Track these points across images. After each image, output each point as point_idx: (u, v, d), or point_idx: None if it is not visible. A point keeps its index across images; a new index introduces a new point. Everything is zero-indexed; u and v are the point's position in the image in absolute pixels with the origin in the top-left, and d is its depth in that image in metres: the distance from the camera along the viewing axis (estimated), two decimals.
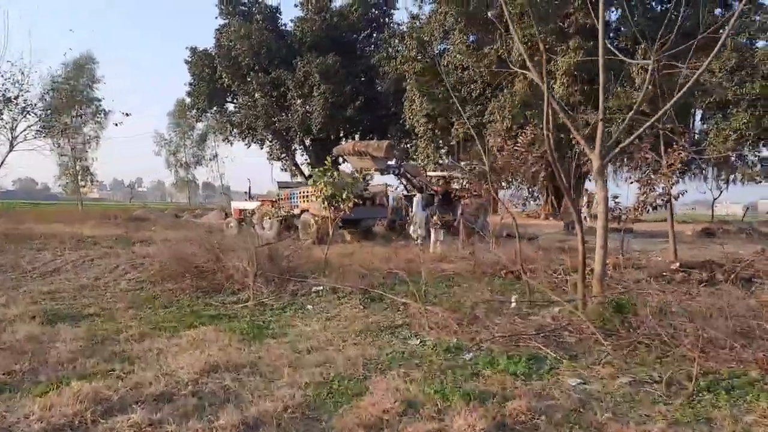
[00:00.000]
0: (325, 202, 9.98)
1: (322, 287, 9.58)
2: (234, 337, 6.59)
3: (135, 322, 7.52)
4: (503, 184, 16.31)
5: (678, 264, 11.53)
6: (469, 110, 30.71)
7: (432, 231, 15.61)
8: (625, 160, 28.80)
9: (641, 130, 7.11)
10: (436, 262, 13.14)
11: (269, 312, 8.46)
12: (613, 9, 30.18)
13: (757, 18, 26.74)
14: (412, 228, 16.36)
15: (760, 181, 25.53)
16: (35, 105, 29.32)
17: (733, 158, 26.20)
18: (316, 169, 10.36)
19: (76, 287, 10.21)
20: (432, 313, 7.51)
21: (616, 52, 8.55)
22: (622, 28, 28.73)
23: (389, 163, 19.95)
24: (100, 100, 39.37)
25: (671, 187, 11.14)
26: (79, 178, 38.65)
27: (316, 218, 17.91)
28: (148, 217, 31.77)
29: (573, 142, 8.85)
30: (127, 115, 41.41)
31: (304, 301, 9.12)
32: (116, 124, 45.58)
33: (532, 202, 31.04)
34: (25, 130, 29.43)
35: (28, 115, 29.08)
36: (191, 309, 8.63)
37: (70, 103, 36.93)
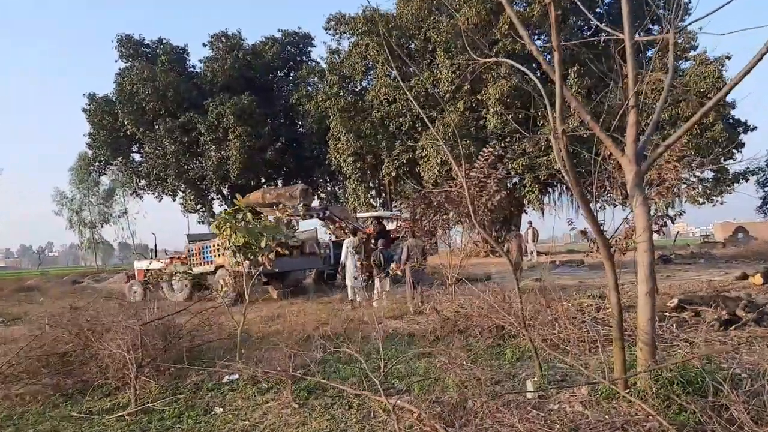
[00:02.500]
0: (238, 254, 7.25)
1: (237, 376, 6.77)
2: None
3: None
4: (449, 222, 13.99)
5: (676, 300, 9.50)
6: (399, 146, 28.83)
7: (376, 281, 13.09)
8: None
9: (682, 131, 4.92)
10: (385, 320, 10.59)
11: (157, 423, 5.61)
12: (537, 36, 29.60)
13: (680, 40, 26.54)
14: (347, 279, 13.76)
15: (703, 203, 24.72)
16: None
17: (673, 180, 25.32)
18: (221, 213, 7.77)
19: None
20: (403, 412, 4.93)
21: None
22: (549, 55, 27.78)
23: (313, 206, 17.45)
24: None
25: (667, 209, 9.13)
26: None
27: (231, 275, 15.10)
28: (41, 285, 27.56)
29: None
30: None
31: (212, 399, 6.29)
32: None
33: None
34: None
35: None
36: (35, 431, 5.66)
37: None
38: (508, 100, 25.05)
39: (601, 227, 5.00)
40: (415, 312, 10.60)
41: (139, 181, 37.19)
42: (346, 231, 15.57)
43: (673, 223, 10.32)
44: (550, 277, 17.65)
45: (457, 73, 26.27)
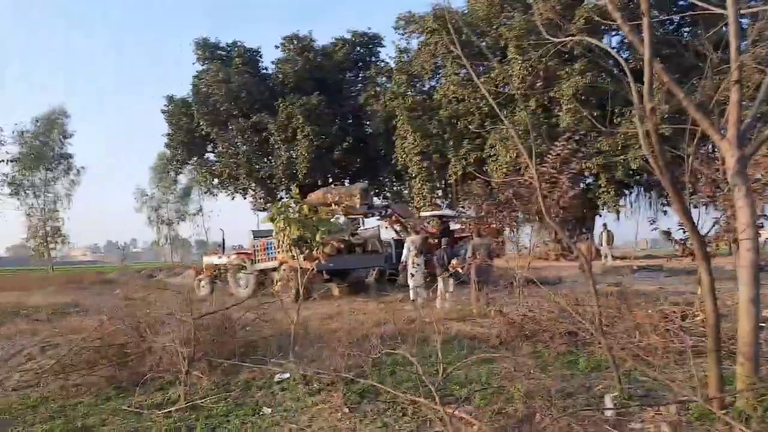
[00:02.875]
0: (292, 249, 6.96)
1: (288, 374, 6.47)
2: None
3: None
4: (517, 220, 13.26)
5: None
6: (467, 145, 28.13)
7: (439, 281, 12.59)
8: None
9: None
10: (446, 322, 10.09)
11: (204, 421, 5.38)
12: (615, 32, 28.18)
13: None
14: (409, 279, 13.35)
15: None
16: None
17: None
18: (276, 203, 7.53)
19: None
20: (462, 423, 4.46)
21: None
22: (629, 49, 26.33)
23: (375, 204, 17.18)
24: (71, 156, 36.72)
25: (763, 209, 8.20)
26: (49, 239, 35.45)
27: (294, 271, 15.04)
28: (119, 279, 28.69)
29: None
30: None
31: (262, 398, 6.02)
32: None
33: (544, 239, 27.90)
34: None
35: None
36: (82, 424, 5.56)
37: (40, 159, 34.37)
38: (583, 98, 23.90)
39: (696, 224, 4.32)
40: (479, 314, 10.02)
41: (213, 180, 38.15)
42: (409, 229, 15.15)
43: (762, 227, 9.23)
44: (627, 281, 16.61)
45: (530, 69, 25.35)
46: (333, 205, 15.78)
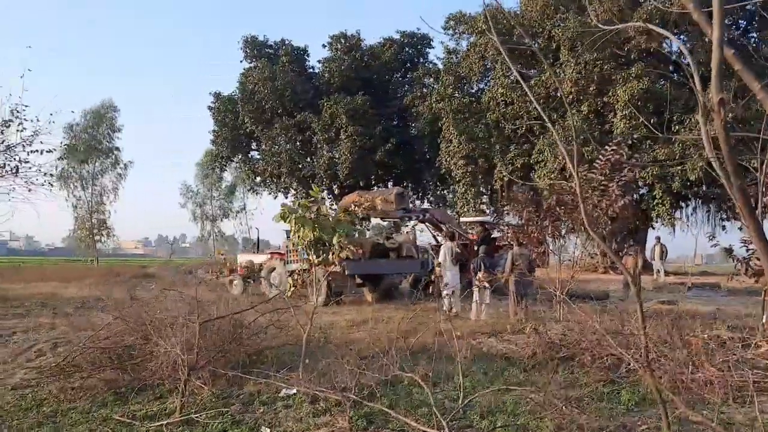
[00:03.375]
0: (309, 251, 6.40)
1: (295, 390, 5.91)
2: None
3: None
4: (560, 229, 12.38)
5: None
6: (514, 149, 27.18)
7: (475, 291, 11.87)
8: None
9: None
10: (478, 337, 9.38)
11: None
12: (677, 36, 26.73)
13: None
14: (443, 288, 12.67)
15: None
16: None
17: None
18: (294, 202, 6.99)
19: None
20: None
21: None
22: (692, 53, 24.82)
23: (412, 207, 16.58)
24: (119, 150, 37.40)
25: None
26: (95, 231, 36.16)
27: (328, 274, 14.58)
28: (159, 273, 28.95)
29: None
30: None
31: (263, 414, 5.48)
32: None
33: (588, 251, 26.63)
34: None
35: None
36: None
37: (88, 152, 35.10)
38: (639, 103, 22.65)
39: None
40: (512, 330, 9.27)
41: (256, 178, 38.23)
42: (446, 235, 14.45)
43: None
44: (680, 300, 15.46)
45: (583, 73, 24.25)
46: (367, 209, 15.33)
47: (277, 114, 34.86)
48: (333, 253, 6.40)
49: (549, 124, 6.04)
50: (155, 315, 6.75)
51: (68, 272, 27.26)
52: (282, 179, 36.12)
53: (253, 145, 38.68)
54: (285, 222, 6.22)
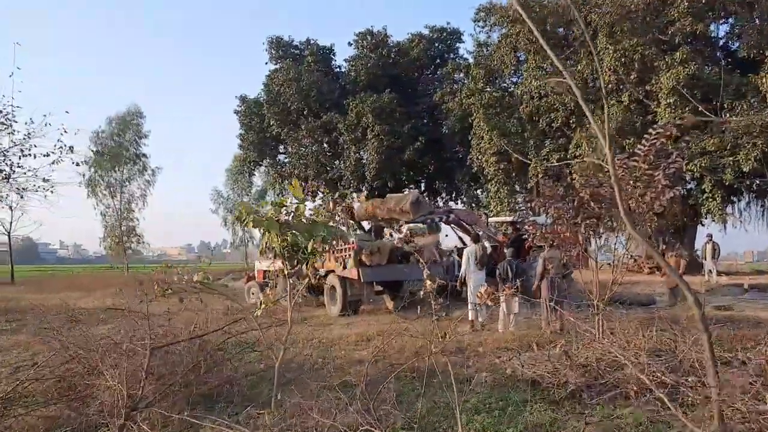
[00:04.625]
0: (284, 259, 5.25)
1: None
2: None
3: None
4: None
5: None
6: (549, 144, 25.61)
7: (502, 300, 10.55)
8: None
9: None
10: (502, 354, 8.08)
11: None
12: (724, 19, 24.73)
13: None
14: (468, 295, 11.46)
15: None
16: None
17: None
18: (268, 200, 5.85)
19: None
20: None
21: None
22: (742, 36, 22.87)
23: (436, 208, 15.40)
24: (147, 156, 37.19)
25: None
26: (125, 239, 35.96)
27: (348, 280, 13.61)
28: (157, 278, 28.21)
29: None
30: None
31: None
32: None
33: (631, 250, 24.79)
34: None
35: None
36: None
37: (115, 159, 34.95)
38: (685, 90, 20.83)
39: None
40: (538, 345, 7.94)
41: (283, 182, 37.46)
42: (471, 237, 13.14)
43: None
44: (737, 306, 13.83)
45: (623, 60, 22.55)
46: (388, 222, 14.40)
47: (303, 115, 33.95)
48: (309, 262, 5.23)
49: (589, 115, 4.79)
50: (100, 340, 5.67)
51: (95, 281, 26.86)
52: (309, 182, 35.20)
53: (280, 148, 37.89)
54: (242, 225, 5.14)
